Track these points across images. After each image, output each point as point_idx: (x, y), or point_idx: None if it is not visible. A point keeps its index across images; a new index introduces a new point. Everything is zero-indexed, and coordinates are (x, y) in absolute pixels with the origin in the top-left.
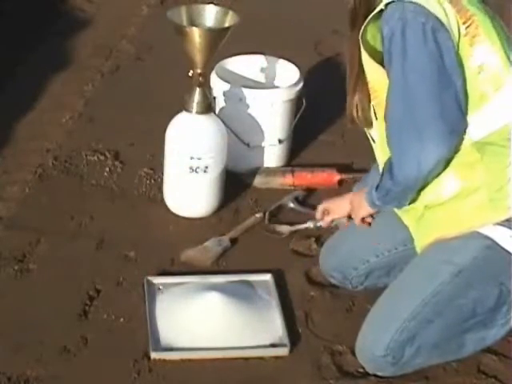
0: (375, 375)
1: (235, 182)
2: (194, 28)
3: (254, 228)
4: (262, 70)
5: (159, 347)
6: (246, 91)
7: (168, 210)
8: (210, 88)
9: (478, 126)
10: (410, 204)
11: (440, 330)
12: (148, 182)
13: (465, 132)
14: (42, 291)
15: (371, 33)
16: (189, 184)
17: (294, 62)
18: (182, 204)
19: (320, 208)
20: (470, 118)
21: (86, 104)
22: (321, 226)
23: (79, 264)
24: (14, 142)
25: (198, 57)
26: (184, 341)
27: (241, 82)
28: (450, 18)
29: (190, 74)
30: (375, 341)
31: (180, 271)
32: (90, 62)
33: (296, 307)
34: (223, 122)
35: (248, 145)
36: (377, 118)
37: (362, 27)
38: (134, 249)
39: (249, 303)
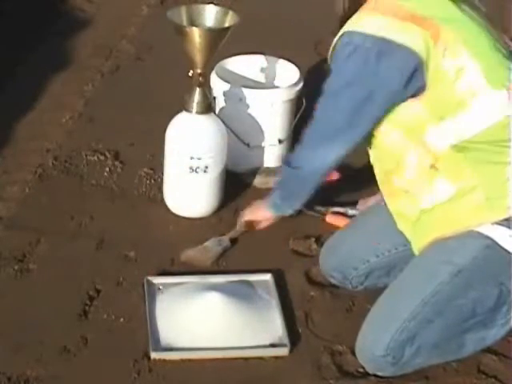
0: (375, 375)
1: (235, 182)
2: (194, 28)
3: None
4: (262, 69)
5: (159, 347)
6: (246, 91)
7: (168, 210)
8: (210, 88)
9: (456, 131)
10: (406, 211)
11: (440, 329)
12: (148, 181)
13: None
14: (42, 291)
15: None
16: (189, 184)
17: (294, 62)
18: (182, 204)
19: (241, 221)
20: (446, 124)
21: (86, 104)
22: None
23: (79, 264)
24: (14, 142)
25: (198, 57)
26: (184, 341)
27: (241, 82)
28: (414, 36)
29: (190, 74)
30: (375, 341)
31: (180, 271)
32: (89, 62)
33: (296, 307)
34: (223, 121)
35: (248, 145)
36: None
37: None
38: (134, 249)
39: (249, 303)
